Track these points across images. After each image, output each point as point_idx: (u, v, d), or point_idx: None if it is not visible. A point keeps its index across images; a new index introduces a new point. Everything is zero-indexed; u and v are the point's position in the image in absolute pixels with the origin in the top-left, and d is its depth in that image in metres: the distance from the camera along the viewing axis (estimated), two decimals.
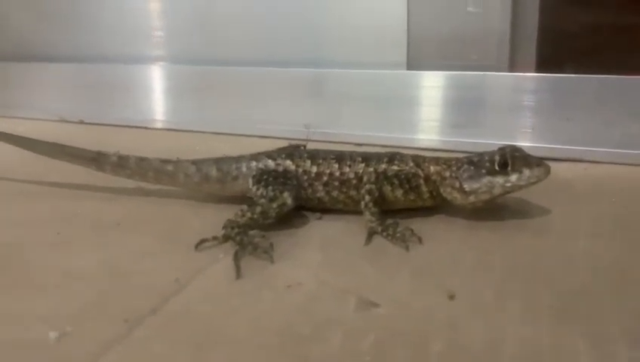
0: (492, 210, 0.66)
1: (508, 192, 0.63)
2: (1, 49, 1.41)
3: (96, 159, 0.73)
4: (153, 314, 0.48)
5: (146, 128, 1.22)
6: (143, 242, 0.62)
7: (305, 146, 0.80)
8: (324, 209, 0.68)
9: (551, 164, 0.63)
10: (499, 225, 0.64)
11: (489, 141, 0.87)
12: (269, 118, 1.09)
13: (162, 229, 0.66)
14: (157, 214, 0.71)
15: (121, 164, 0.73)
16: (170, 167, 0.71)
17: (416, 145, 0.95)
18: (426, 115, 0.97)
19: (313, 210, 0.68)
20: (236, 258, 0.56)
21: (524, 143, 0.86)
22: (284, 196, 0.64)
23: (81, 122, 1.28)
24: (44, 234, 0.65)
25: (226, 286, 0.52)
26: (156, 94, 1.24)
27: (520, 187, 0.62)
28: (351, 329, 0.45)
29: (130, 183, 0.76)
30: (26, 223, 0.69)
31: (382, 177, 0.65)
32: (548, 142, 0.88)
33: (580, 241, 0.60)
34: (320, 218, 0.68)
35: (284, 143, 0.85)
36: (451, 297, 0.49)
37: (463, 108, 0.94)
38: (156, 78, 1.24)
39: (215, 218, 0.64)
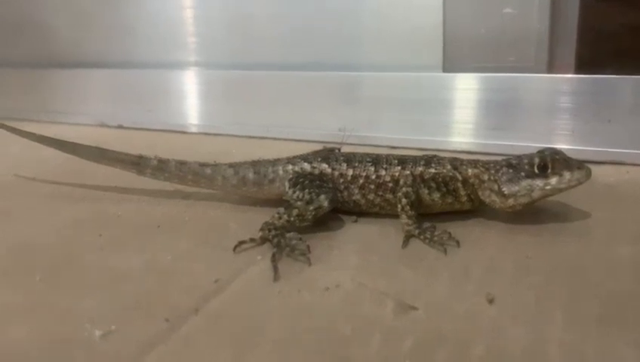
0: (531, 214, 0.65)
1: (548, 195, 0.62)
2: (44, 57, 1.45)
3: (137, 163, 0.75)
4: (195, 314, 0.49)
5: (182, 132, 1.24)
6: (182, 244, 0.64)
7: (340, 149, 0.80)
8: (360, 212, 0.68)
9: (592, 166, 0.62)
10: (538, 228, 0.63)
11: (527, 144, 0.86)
12: (304, 121, 1.09)
13: (201, 231, 0.67)
14: (195, 216, 0.72)
15: (161, 167, 0.74)
16: (208, 171, 0.73)
17: (452, 148, 0.95)
18: (462, 117, 0.96)
19: (349, 213, 0.69)
20: (274, 260, 0.57)
21: (564, 146, 0.84)
22: (320, 199, 0.64)
23: (120, 127, 1.32)
24: (88, 236, 0.67)
25: (264, 288, 0.53)
26: (192, 99, 1.26)
27: (560, 190, 0.61)
28: (390, 331, 0.45)
29: (168, 186, 0.78)
30: (70, 225, 0.71)
31: (419, 180, 0.65)
32: (588, 145, 0.86)
33: (623, 246, 0.58)
34: (356, 221, 0.68)
35: (319, 147, 0.85)
36: (490, 301, 0.49)
37: (500, 110, 0.93)
38: (192, 83, 1.26)
39: (252, 220, 0.65)
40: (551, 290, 0.50)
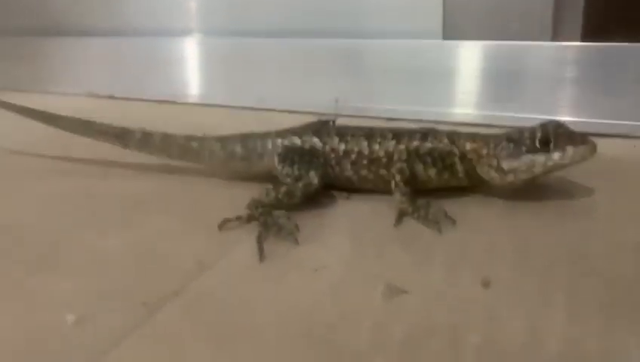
0: (532, 191, 0.62)
1: (550, 171, 0.59)
2: (31, 24, 1.41)
3: (121, 136, 0.72)
4: (175, 297, 0.47)
5: (175, 103, 1.21)
6: (166, 222, 0.61)
7: (334, 121, 0.77)
8: (353, 188, 0.65)
9: (597, 140, 0.58)
10: (540, 207, 0.60)
11: (530, 115, 0.83)
12: (299, 91, 1.06)
13: (186, 208, 0.65)
14: (181, 193, 0.69)
15: (145, 140, 0.71)
16: (194, 144, 0.70)
17: (451, 120, 0.91)
18: (462, 87, 0.92)
19: (341, 189, 0.66)
20: (259, 240, 0.54)
21: (568, 118, 0.81)
22: (310, 175, 0.61)
23: (111, 97, 1.28)
24: (70, 214, 0.64)
25: (249, 269, 0.51)
26: (186, 68, 1.23)
27: (563, 166, 0.58)
28: (379, 316, 0.43)
29: (154, 160, 0.75)
30: (50, 201, 0.68)
31: (414, 155, 0.62)
32: (593, 117, 0.83)
33: (629, 225, 0.56)
34: (348, 198, 0.65)
35: (313, 118, 0.82)
36: (486, 285, 0.46)
37: (502, 80, 0.89)
38: (186, 51, 1.22)
39: (240, 197, 0.62)
40: (552, 274, 0.48)
